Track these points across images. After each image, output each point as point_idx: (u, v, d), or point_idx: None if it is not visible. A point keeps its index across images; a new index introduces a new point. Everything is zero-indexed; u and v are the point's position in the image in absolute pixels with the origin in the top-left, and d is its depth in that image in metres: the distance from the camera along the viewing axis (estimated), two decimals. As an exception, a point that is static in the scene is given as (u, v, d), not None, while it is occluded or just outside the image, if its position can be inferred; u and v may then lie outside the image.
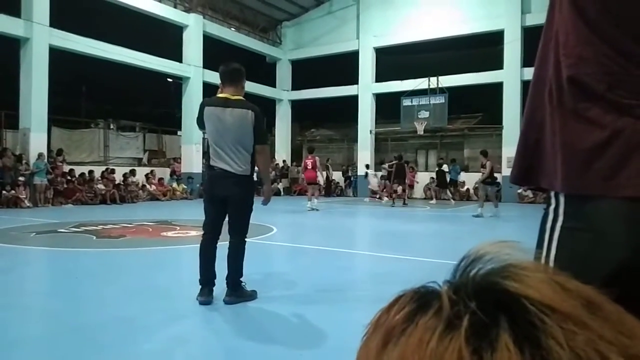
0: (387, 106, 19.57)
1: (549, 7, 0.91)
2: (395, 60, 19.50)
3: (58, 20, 13.17)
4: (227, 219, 3.65)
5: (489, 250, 0.32)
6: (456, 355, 0.26)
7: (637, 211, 0.77)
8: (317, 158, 12.44)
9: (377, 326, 0.32)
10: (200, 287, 3.57)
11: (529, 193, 16.19)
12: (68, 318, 3.30)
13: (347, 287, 4.61)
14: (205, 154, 3.74)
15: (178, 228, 8.18)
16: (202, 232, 3.69)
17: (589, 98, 0.81)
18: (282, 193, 19.55)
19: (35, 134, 12.82)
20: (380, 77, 19.93)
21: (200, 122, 3.71)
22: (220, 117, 3.54)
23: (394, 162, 14.74)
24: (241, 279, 3.67)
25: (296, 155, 22.94)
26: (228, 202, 3.55)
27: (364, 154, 20.12)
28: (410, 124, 18.28)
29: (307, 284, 4.64)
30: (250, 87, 20.17)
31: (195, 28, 17.33)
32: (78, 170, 14.16)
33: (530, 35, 16.52)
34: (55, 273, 5.09)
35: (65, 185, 13.35)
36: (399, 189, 14.69)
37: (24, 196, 12.08)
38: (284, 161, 21.40)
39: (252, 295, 3.70)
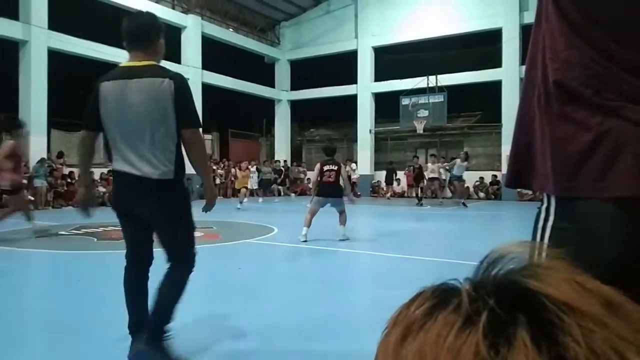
0: (386, 105, 19.57)
1: (536, 12, 0.94)
2: (394, 59, 19.50)
3: (56, 22, 13.16)
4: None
5: (511, 250, 0.33)
6: (473, 349, 0.27)
7: (626, 210, 0.78)
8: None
9: (397, 321, 0.32)
10: (130, 336, 2.50)
11: (529, 191, 16.20)
12: (68, 320, 3.30)
13: (350, 287, 4.62)
14: (106, 152, 2.52)
15: (179, 229, 8.17)
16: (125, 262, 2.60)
17: (575, 102, 0.82)
18: (281, 194, 19.53)
19: (35, 137, 12.80)
20: (379, 77, 19.93)
21: (92, 114, 2.41)
22: (122, 94, 2.34)
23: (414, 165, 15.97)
24: (166, 328, 2.47)
25: (296, 155, 22.93)
26: (150, 222, 2.45)
27: (364, 153, 20.13)
28: (410, 123, 18.28)
29: (309, 284, 4.65)
30: (249, 87, 20.22)
31: (193, 29, 17.33)
32: (78, 172, 14.15)
33: (529, 33, 16.13)
34: (56, 276, 5.09)
35: (65, 188, 13.35)
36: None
37: (31, 198, 12.09)
38: (284, 161, 21.39)
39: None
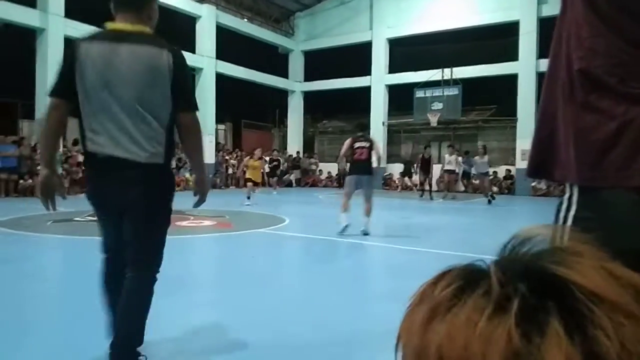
0: (400, 98, 19.45)
1: (561, 1, 0.92)
2: (409, 51, 19.34)
3: (72, 11, 13.25)
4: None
5: (537, 232, 0.32)
6: (505, 337, 0.26)
7: None
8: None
9: (423, 299, 0.31)
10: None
11: (543, 185, 16.06)
12: (82, 304, 3.36)
13: (361, 278, 4.64)
14: (80, 133, 2.06)
15: (192, 218, 8.25)
16: (104, 255, 2.27)
17: (600, 90, 0.81)
18: (294, 184, 19.58)
19: (51, 124, 12.96)
20: (393, 68, 19.80)
21: (65, 79, 2.00)
22: (108, 59, 1.96)
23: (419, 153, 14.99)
24: (139, 350, 2.15)
25: (308, 146, 22.93)
26: (126, 213, 2.08)
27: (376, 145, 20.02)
28: (424, 116, 18.17)
29: (320, 274, 4.67)
30: (263, 78, 20.22)
31: (208, 19, 17.35)
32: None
33: (546, 26, 16.25)
34: (72, 261, 5.18)
35: (80, 175, 13.52)
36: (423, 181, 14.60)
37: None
38: (297, 152, 21.42)
39: None
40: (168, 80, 2.01)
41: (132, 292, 2.09)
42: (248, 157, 12.19)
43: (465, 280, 0.30)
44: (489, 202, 12.78)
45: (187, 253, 5.63)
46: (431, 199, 13.91)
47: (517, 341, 0.26)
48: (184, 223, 7.63)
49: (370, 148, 6.49)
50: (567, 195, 0.86)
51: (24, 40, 13.56)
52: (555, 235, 0.33)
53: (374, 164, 6.70)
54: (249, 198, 11.02)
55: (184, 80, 2.10)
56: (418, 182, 15.00)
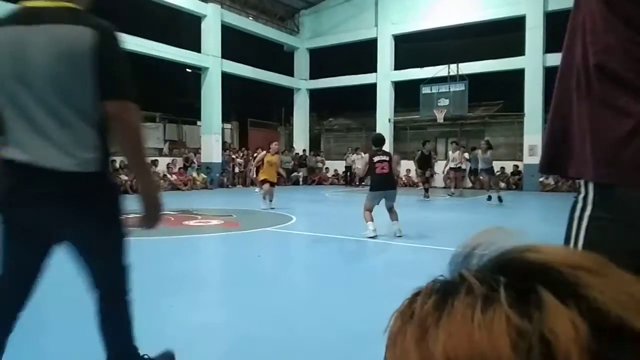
0: (406, 94, 19.39)
1: None
2: (414, 48, 19.28)
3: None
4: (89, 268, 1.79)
5: (485, 239, 0.33)
6: (504, 321, 0.27)
7: None
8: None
9: (403, 324, 0.31)
10: None
11: (551, 181, 15.96)
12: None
13: (372, 277, 4.63)
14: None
15: (199, 217, 8.29)
16: None
17: (617, 86, 0.79)
18: (300, 182, 19.60)
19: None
20: (399, 65, 19.73)
21: None
22: (16, 46, 1.60)
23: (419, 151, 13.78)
24: (138, 352, 1.96)
25: (314, 144, 22.93)
26: (63, 240, 1.74)
27: (383, 142, 19.98)
28: (430, 112, 18.11)
29: (327, 273, 4.67)
30: (268, 76, 20.23)
31: (213, 18, 17.36)
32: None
33: (553, 21, 16.14)
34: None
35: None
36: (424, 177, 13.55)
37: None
38: (303, 150, 21.43)
39: None
40: (88, 65, 1.57)
41: (109, 317, 1.83)
42: (263, 151, 10.07)
43: (442, 291, 0.31)
44: (489, 198, 11.91)
45: (195, 252, 5.65)
46: (427, 197, 12.91)
47: (517, 320, 0.26)
48: (191, 222, 7.66)
49: (390, 161, 6.47)
50: (582, 195, 0.85)
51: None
52: (500, 237, 0.33)
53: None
54: (270, 201, 9.55)
55: (110, 62, 1.62)
56: (419, 180, 14.06)
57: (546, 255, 0.30)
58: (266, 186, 9.44)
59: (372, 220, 6.27)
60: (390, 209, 6.50)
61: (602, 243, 0.79)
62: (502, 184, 17.23)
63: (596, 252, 0.85)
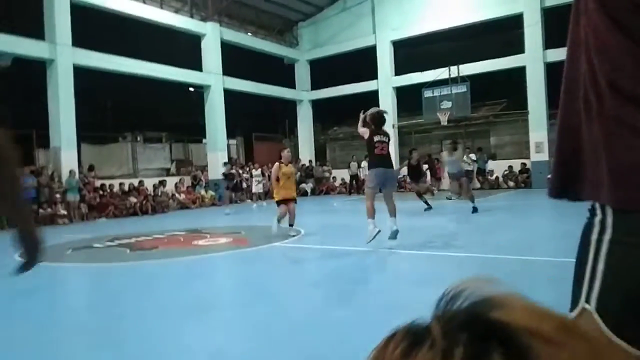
0: (408, 99, 19.38)
1: (573, 9, 0.85)
2: (414, 52, 19.30)
3: (80, 39, 13.50)
4: None
5: (467, 285, 0.35)
6: None
7: None
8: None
9: None
10: None
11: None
12: (106, 333, 3.39)
13: (386, 291, 4.60)
14: None
15: (208, 236, 8.30)
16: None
17: (631, 104, 0.75)
18: (308, 194, 19.59)
19: (66, 151, 13.19)
20: (399, 70, 19.77)
21: None
22: None
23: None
24: None
25: (320, 154, 22.95)
26: None
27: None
28: (433, 116, 18.09)
29: (340, 287, 4.65)
30: (270, 90, 20.33)
31: (212, 36, 17.52)
32: (109, 184, 14.52)
33: (551, 17, 16.12)
34: (92, 289, 5.23)
35: (98, 200, 13.70)
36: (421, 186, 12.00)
37: (64, 212, 12.48)
38: (310, 161, 21.46)
39: None
40: None
41: None
42: (275, 163, 8.19)
43: (411, 340, 0.33)
44: (427, 208, 10.60)
45: (205, 273, 5.65)
46: (428, 208, 10.99)
47: None
48: (201, 242, 7.67)
49: (389, 144, 6.31)
50: (598, 218, 0.80)
51: (34, 71, 13.84)
52: (483, 285, 0.35)
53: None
54: (291, 225, 8.00)
55: None
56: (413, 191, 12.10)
57: (509, 316, 0.32)
58: (282, 208, 7.85)
59: (373, 216, 6.00)
60: (390, 198, 6.18)
61: (625, 269, 0.75)
62: (511, 183, 17.12)
63: (619, 278, 0.79)
